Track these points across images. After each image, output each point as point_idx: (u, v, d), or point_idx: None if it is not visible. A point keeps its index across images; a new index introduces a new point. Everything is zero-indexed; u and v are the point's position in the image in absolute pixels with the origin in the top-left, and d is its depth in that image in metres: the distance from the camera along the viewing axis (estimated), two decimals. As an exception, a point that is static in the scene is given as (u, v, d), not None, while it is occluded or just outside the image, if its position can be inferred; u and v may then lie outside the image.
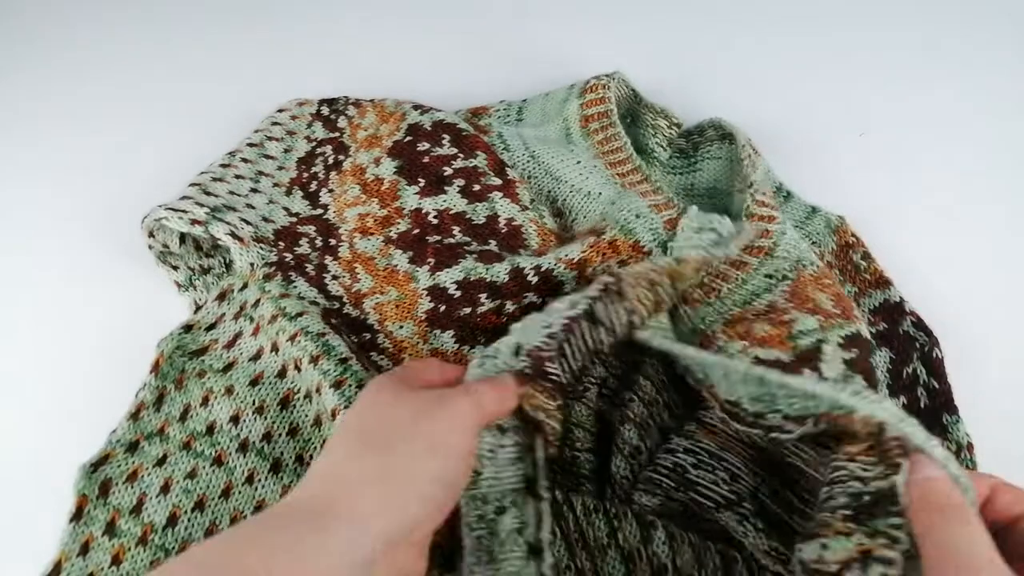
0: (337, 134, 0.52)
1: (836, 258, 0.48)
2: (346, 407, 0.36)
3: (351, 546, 0.24)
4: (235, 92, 0.56)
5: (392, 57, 0.59)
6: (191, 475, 0.36)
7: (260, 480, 0.37)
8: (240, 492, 0.37)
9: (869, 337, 0.38)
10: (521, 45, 0.59)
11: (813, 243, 0.48)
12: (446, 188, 0.46)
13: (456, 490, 0.28)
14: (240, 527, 0.25)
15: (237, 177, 0.47)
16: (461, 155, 0.47)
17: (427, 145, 0.47)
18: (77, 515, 0.35)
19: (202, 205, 0.42)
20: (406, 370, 0.32)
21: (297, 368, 0.39)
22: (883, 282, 0.46)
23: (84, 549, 0.34)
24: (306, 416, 0.38)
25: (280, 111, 0.54)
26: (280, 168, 0.50)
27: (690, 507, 0.35)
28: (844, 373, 0.35)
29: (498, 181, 0.46)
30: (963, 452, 0.40)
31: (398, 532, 0.26)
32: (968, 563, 0.23)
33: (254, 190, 0.47)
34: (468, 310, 0.41)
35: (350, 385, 0.37)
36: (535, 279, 0.41)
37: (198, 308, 0.43)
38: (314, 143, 0.51)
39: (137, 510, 0.35)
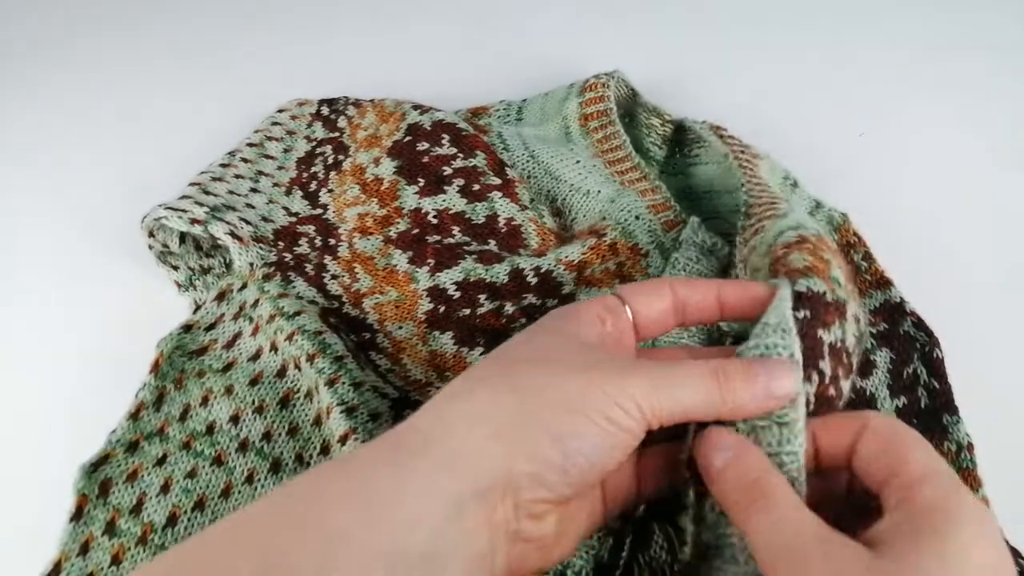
0: (337, 134, 0.52)
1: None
2: (339, 404, 0.36)
3: (431, 485, 0.21)
4: (235, 92, 0.56)
5: (392, 57, 0.59)
6: (191, 475, 0.36)
7: (260, 479, 0.37)
8: (240, 492, 0.37)
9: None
10: (521, 45, 0.59)
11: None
12: (446, 188, 0.46)
13: (595, 470, 0.23)
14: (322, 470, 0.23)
15: (237, 177, 0.47)
16: (461, 155, 0.47)
17: (427, 145, 0.47)
18: (77, 515, 0.35)
19: (202, 204, 0.43)
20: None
21: (297, 367, 0.39)
22: (884, 282, 0.46)
23: (84, 549, 0.34)
24: (306, 415, 0.38)
25: (280, 111, 0.54)
26: (280, 168, 0.50)
27: None
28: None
29: (497, 181, 0.46)
30: (963, 452, 0.40)
31: (488, 483, 0.22)
32: (791, 557, 0.21)
33: (254, 190, 0.47)
34: (467, 311, 0.41)
35: (344, 383, 0.37)
36: (535, 280, 0.41)
37: (198, 308, 0.43)
38: (314, 143, 0.52)
39: (137, 510, 0.35)
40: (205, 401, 0.38)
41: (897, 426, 0.24)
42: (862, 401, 0.42)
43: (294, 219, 0.46)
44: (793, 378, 0.24)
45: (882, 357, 0.43)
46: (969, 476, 0.38)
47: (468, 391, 0.24)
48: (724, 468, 0.24)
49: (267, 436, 0.38)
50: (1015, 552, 0.34)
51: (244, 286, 0.42)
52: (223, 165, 0.48)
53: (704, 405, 0.24)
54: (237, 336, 0.41)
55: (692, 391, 0.24)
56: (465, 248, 0.43)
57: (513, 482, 0.22)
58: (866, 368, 0.43)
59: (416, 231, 0.45)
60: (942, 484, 0.21)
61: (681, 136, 0.50)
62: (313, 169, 0.50)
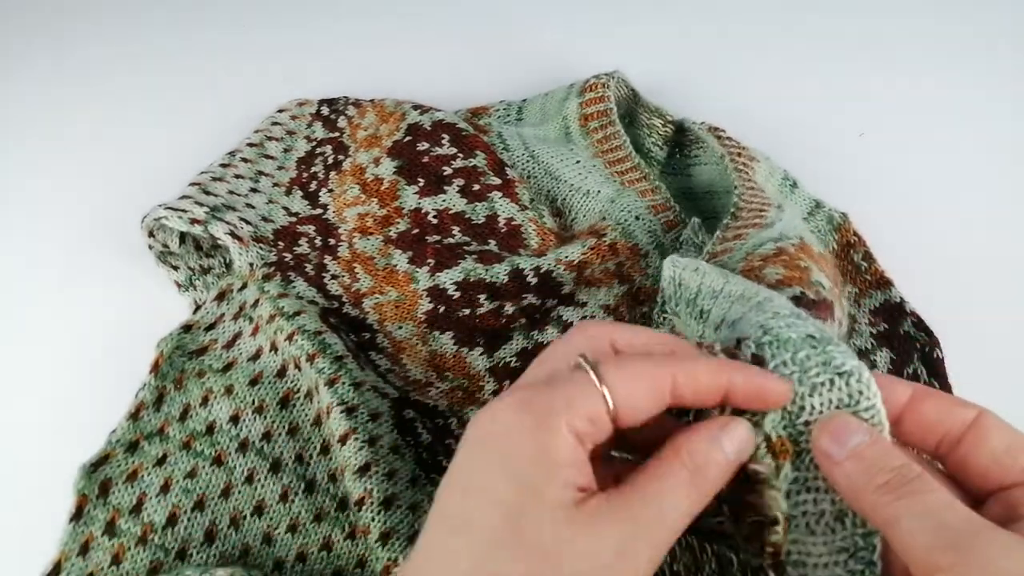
0: (337, 134, 0.52)
1: (837, 257, 0.47)
2: (339, 404, 0.36)
3: None
4: (235, 92, 0.56)
5: (392, 57, 0.59)
6: (191, 475, 0.36)
7: (260, 480, 0.37)
8: (240, 492, 0.37)
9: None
10: (521, 45, 0.59)
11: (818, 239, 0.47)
12: (445, 188, 0.46)
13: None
14: None
15: (237, 177, 0.47)
16: (461, 155, 0.47)
17: (427, 145, 0.47)
18: (77, 515, 0.35)
19: (202, 204, 0.43)
20: None
21: (297, 367, 0.39)
22: (884, 283, 0.46)
23: (84, 549, 0.34)
24: (306, 415, 0.38)
25: (280, 111, 0.54)
26: (280, 168, 0.50)
27: None
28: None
29: (497, 181, 0.46)
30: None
31: None
32: (960, 541, 0.19)
33: (254, 190, 0.47)
34: (467, 311, 0.41)
35: (344, 383, 0.37)
36: (534, 280, 0.41)
37: (198, 308, 0.43)
38: (314, 143, 0.52)
39: (137, 510, 0.35)
40: (205, 401, 0.38)
41: (1014, 429, 0.23)
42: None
43: (294, 219, 0.46)
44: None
45: (882, 357, 0.44)
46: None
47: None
48: (857, 454, 0.22)
49: (267, 436, 0.38)
50: None
51: (244, 286, 0.42)
52: (223, 165, 0.48)
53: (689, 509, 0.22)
54: (237, 336, 0.41)
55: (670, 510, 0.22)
56: (465, 248, 0.43)
57: None
58: None
59: (416, 231, 0.45)
60: None
61: (681, 137, 0.50)
62: (313, 169, 0.50)
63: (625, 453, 0.27)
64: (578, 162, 0.48)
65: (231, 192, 0.46)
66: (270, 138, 0.51)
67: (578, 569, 0.21)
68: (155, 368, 0.39)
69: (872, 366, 0.43)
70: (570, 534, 0.21)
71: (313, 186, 0.49)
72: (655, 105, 0.50)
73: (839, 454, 0.22)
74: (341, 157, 0.50)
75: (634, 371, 0.23)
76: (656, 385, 0.23)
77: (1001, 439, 0.23)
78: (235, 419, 0.38)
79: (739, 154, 0.46)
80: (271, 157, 0.50)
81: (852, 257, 0.47)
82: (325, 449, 0.37)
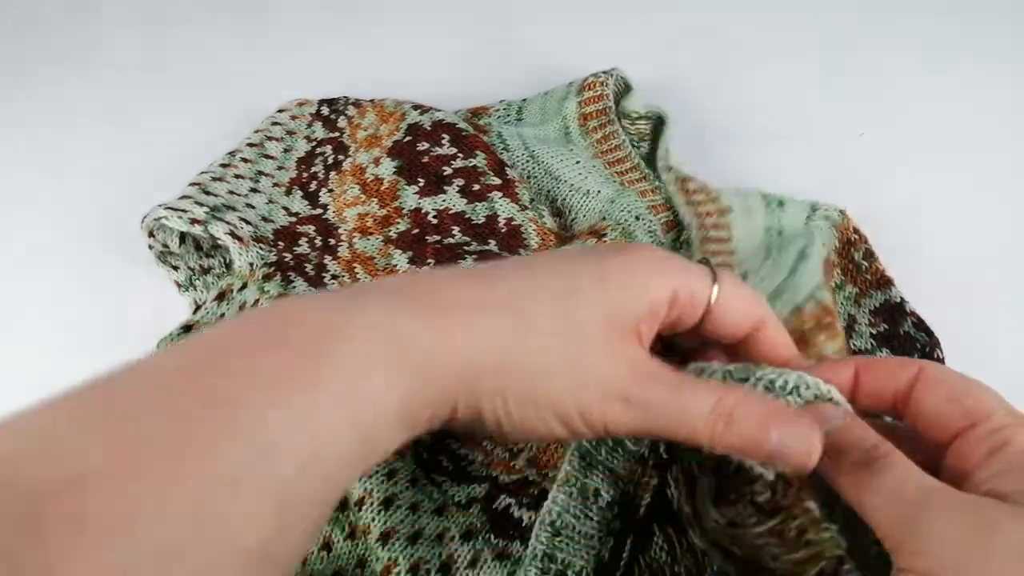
0: (337, 134, 0.52)
1: (840, 256, 0.47)
2: None
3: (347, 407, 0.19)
4: (235, 92, 0.56)
5: (392, 57, 0.59)
6: (190, 475, 0.36)
7: (260, 480, 0.37)
8: (240, 492, 0.37)
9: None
10: (521, 45, 0.59)
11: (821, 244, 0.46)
12: (445, 188, 0.46)
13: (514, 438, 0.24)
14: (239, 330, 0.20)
15: (237, 177, 0.47)
16: (461, 155, 0.47)
17: (427, 145, 0.47)
18: (77, 515, 0.35)
19: (202, 204, 0.42)
20: None
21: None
22: (884, 282, 0.46)
23: (84, 549, 0.34)
24: (306, 416, 0.38)
25: (280, 111, 0.54)
26: (280, 168, 0.50)
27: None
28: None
29: (497, 181, 0.46)
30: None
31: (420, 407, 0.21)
32: (929, 508, 0.20)
33: (254, 190, 0.47)
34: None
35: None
36: (534, 279, 0.41)
37: (198, 308, 0.43)
38: (314, 143, 0.51)
39: (137, 510, 0.35)
40: (205, 401, 0.38)
41: (959, 376, 0.24)
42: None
43: (294, 219, 0.46)
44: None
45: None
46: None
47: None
48: (836, 434, 0.23)
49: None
50: None
51: (244, 286, 0.42)
52: (223, 165, 0.48)
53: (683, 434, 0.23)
54: (237, 336, 0.41)
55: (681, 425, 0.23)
56: (465, 248, 0.43)
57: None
58: None
59: (416, 231, 0.45)
60: None
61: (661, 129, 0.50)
62: (313, 169, 0.50)
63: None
64: (578, 162, 0.48)
65: (231, 192, 0.46)
66: (270, 138, 0.51)
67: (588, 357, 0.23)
68: (155, 368, 0.39)
69: None
70: (607, 340, 0.23)
71: (313, 186, 0.49)
72: (630, 108, 0.49)
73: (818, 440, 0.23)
74: (341, 157, 0.50)
75: (741, 290, 0.26)
76: (752, 311, 0.26)
77: (943, 388, 0.24)
78: (235, 419, 0.38)
79: (708, 213, 0.44)
80: (271, 157, 0.50)
81: (853, 256, 0.47)
82: (325, 449, 0.37)
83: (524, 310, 0.23)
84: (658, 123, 0.49)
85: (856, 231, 0.47)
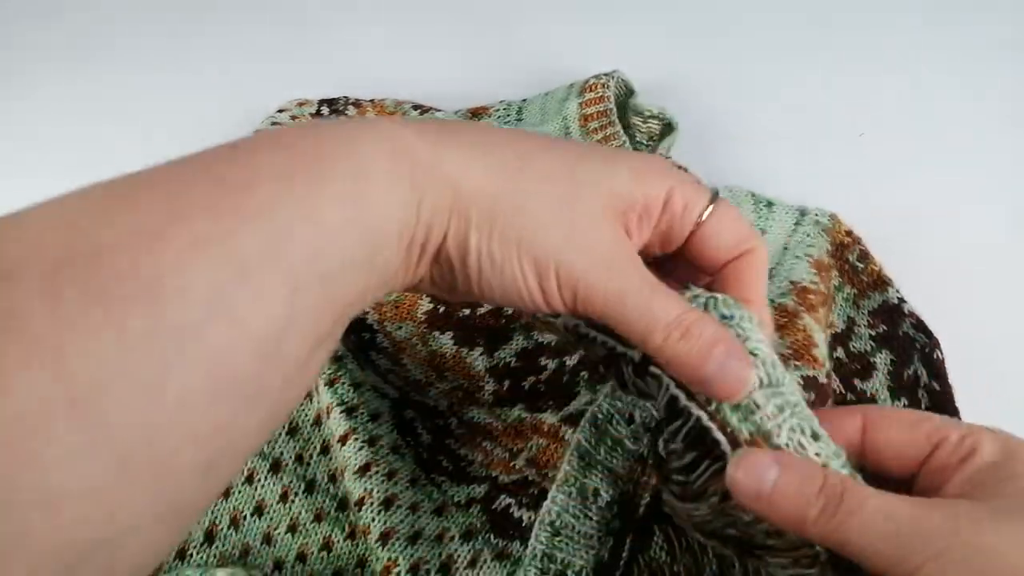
0: (337, 134, 0.52)
1: (833, 259, 0.47)
2: (339, 404, 0.36)
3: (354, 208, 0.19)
4: (235, 92, 0.56)
5: (392, 57, 0.59)
6: (190, 475, 0.36)
7: (260, 479, 0.37)
8: (240, 492, 0.37)
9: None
10: (522, 45, 0.59)
11: (809, 246, 0.46)
12: (446, 188, 0.45)
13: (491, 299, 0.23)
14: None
15: (237, 177, 0.47)
16: (461, 155, 0.47)
17: (427, 145, 0.47)
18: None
19: (202, 205, 0.42)
20: None
21: (296, 368, 0.39)
22: (882, 282, 0.46)
23: (84, 549, 0.34)
24: (306, 415, 0.38)
25: (280, 111, 0.54)
26: (280, 168, 0.50)
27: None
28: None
29: (498, 181, 0.46)
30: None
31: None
32: (912, 536, 0.19)
33: (254, 190, 0.47)
34: (467, 311, 0.41)
35: (344, 383, 0.37)
36: (534, 280, 0.41)
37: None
38: (314, 143, 0.51)
39: (137, 510, 0.35)
40: (205, 401, 0.38)
41: (902, 410, 0.25)
42: (864, 403, 0.42)
43: (294, 219, 0.46)
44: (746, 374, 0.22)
45: (882, 359, 0.43)
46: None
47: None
48: (778, 486, 0.21)
49: (267, 436, 0.38)
50: None
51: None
52: (223, 165, 0.48)
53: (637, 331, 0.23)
54: (237, 336, 0.41)
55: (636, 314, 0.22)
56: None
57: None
58: (866, 370, 0.43)
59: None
60: (993, 436, 0.22)
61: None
62: (313, 169, 0.50)
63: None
64: (578, 162, 0.47)
65: (231, 192, 0.45)
66: (270, 138, 0.51)
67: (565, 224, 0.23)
68: (155, 368, 0.39)
69: (872, 368, 0.43)
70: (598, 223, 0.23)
71: (313, 186, 0.48)
72: (643, 107, 0.50)
73: (765, 491, 0.21)
74: (341, 157, 0.50)
75: (736, 214, 0.26)
76: (740, 240, 0.25)
77: (894, 423, 0.24)
78: (235, 419, 0.38)
79: None
80: (271, 157, 0.50)
81: (847, 258, 0.47)
82: (325, 449, 0.37)
83: (528, 155, 0.23)
84: (667, 128, 0.50)
85: (848, 233, 0.47)
